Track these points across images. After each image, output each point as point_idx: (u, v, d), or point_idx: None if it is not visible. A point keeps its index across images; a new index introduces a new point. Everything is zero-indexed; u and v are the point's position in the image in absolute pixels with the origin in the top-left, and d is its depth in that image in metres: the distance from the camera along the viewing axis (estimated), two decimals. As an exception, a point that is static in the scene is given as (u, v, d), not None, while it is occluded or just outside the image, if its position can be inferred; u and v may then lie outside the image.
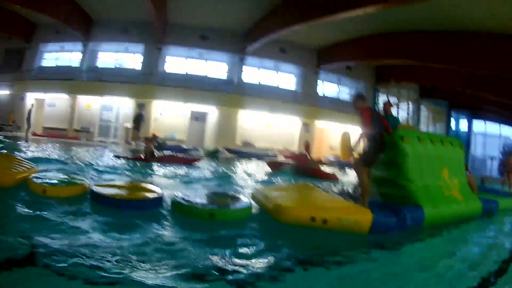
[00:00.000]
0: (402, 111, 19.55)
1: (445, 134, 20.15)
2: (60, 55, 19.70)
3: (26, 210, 3.10)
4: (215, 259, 2.40)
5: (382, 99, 18.95)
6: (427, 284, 2.44)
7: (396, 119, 5.14)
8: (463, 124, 22.29)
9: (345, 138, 4.50)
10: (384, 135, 4.10)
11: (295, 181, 7.68)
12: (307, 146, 10.23)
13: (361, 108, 4.10)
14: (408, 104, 19.86)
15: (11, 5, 16.23)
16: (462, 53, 13.83)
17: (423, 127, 19.90)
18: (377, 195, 4.35)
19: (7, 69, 20.89)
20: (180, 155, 11.06)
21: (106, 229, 2.78)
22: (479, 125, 22.09)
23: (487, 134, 21.91)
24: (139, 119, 14.43)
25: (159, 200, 3.65)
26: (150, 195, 3.68)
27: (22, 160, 4.87)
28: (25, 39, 19.76)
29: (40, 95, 19.17)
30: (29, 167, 4.45)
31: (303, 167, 9.24)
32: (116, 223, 2.94)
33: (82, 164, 6.91)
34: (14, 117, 19.15)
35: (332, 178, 9.02)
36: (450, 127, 21.57)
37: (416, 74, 18.13)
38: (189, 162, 9.55)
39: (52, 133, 17.76)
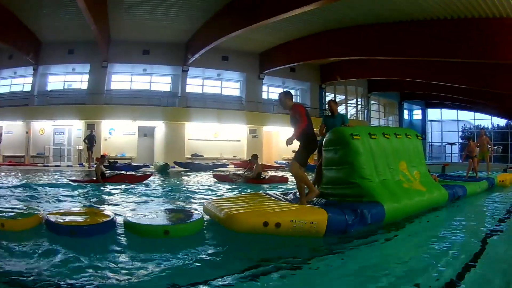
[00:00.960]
0: (351, 108, 19.89)
1: (399, 125, 20.24)
2: (14, 81, 20.02)
3: None
4: (175, 275, 2.46)
5: (328, 98, 19.08)
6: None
7: (344, 117, 5.11)
8: (417, 114, 22.28)
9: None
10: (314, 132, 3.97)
11: (246, 190, 7.77)
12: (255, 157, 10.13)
13: (293, 105, 3.97)
14: (356, 99, 20.14)
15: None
16: (407, 43, 13.80)
17: (375, 121, 19.99)
18: (331, 196, 4.27)
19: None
20: (130, 173, 11.24)
21: (64, 258, 2.81)
22: (434, 113, 22.08)
23: (443, 120, 21.92)
24: (90, 140, 14.86)
25: (112, 223, 3.62)
26: (103, 218, 3.67)
27: None
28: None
29: (-2, 123, 19.60)
30: None
31: (252, 176, 9.47)
32: (71, 251, 2.96)
33: (38, 192, 7.08)
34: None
35: (281, 181, 9.44)
36: (403, 117, 21.61)
37: (363, 69, 18.19)
38: (140, 179, 9.68)
39: (10, 161, 18.18)
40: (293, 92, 19.51)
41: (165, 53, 17.46)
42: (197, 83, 18.08)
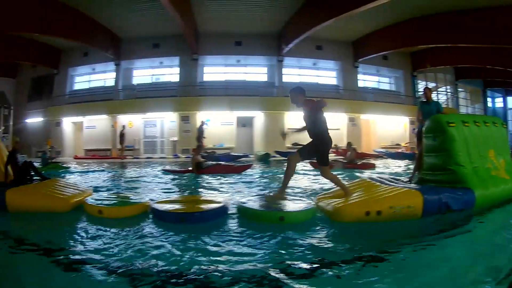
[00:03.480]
0: (441, 95, 19.79)
1: (484, 113, 20.21)
2: (92, 77, 19.61)
3: (84, 232, 3.16)
4: (294, 261, 2.43)
5: (421, 85, 19.01)
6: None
7: (439, 105, 5.22)
8: (499, 101, 22.36)
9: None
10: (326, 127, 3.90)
11: (342, 175, 7.79)
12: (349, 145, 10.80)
13: (307, 101, 3.83)
14: (446, 87, 20.11)
15: (37, 35, 16.32)
16: (493, 30, 13.73)
17: (463, 109, 19.97)
18: (431, 182, 4.36)
19: (37, 97, 20.81)
20: (229, 163, 10.68)
21: (178, 244, 2.78)
22: (513, 101, 22.16)
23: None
24: (200, 131, 14.55)
25: (223, 209, 3.66)
26: (213, 205, 3.69)
27: (76, 184, 4.98)
28: (52, 65, 19.68)
29: (77, 118, 19.07)
30: (83, 190, 4.57)
31: (347, 163, 9.89)
32: (185, 237, 2.98)
33: (134, 182, 6.99)
34: (52, 142, 19.03)
35: (370, 167, 9.95)
36: (487, 105, 21.64)
37: (450, 56, 18.17)
38: (239, 170, 9.03)
39: (94, 155, 17.62)
40: (387, 80, 19.54)
41: (258, 44, 17.30)
42: (293, 72, 17.84)
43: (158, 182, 7.04)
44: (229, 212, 3.71)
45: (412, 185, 4.15)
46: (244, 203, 3.70)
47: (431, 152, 4.40)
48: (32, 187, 4.51)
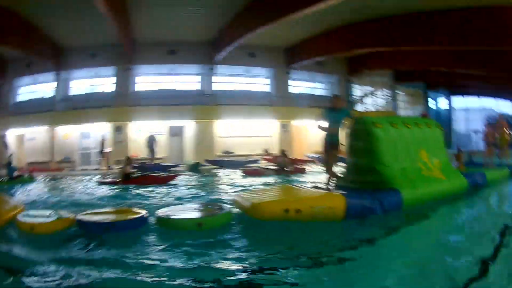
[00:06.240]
0: (378, 99, 19.75)
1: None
2: (34, 88, 19.79)
3: (16, 248, 3.26)
4: (209, 266, 2.61)
5: (357, 89, 18.99)
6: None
7: (346, 112, 5.08)
8: (443, 103, 22.26)
9: None
10: None
11: (274, 182, 8.35)
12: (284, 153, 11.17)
13: None
14: (383, 90, 20.07)
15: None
16: (431, 33, 13.68)
17: (402, 112, 19.94)
18: (356, 184, 4.39)
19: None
20: (157, 174, 10.95)
21: (97, 253, 2.99)
22: (459, 101, 22.05)
23: (469, 108, 21.89)
24: (151, 141, 14.82)
25: (143, 219, 3.78)
26: (133, 215, 3.83)
27: (8, 200, 4.97)
28: (-2, 76, 19.85)
29: (19, 131, 19.30)
30: (15, 205, 4.58)
31: (278, 170, 10.29)
32: (105, 246, 3.16)
33: (65, 196, 7.24)
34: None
35: (300, 171, 10.46)
36: (429, 107, 21.55)
37: (389, 60, 18.08)
38: (166, 180, 9.37)
39: (35, 168, 17.79)
40: (321, 85, 19.54)
41: (192, 53, 17.30)
42: (226, 80, 17.92)
43: (91, 194, 7.42)
44: (149, 222, 3.83)
45: (334, 189, 4.25)
46: (161, 212, 3.84)
47: (356, 153, 4.50)
48: None
